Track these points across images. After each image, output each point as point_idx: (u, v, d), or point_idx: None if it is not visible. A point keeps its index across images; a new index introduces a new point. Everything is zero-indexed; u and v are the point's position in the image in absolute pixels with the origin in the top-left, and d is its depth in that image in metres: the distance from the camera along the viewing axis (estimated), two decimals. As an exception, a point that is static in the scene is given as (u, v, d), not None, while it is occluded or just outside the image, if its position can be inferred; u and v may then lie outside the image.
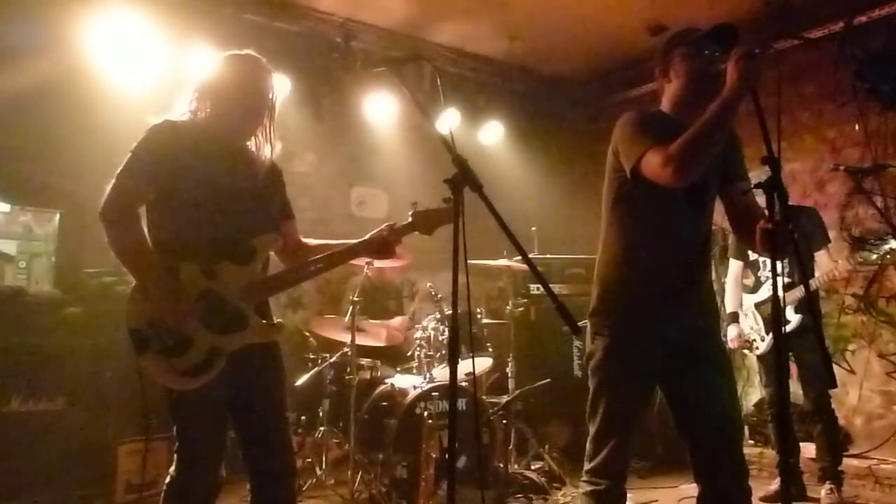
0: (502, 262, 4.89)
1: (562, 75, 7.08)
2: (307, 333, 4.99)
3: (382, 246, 2.49)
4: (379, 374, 4.79)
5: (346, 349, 4.56)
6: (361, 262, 3.50)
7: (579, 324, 2.01)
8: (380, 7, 5.60)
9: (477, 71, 6.68)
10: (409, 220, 2.47)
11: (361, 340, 4.63)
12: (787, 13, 5.37)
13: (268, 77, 2.48)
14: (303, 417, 4.61)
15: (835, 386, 2.06)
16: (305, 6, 5.59)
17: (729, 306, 4.70)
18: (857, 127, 5.31)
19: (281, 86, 5.21)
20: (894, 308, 5.12)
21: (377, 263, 3.90)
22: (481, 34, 6.13)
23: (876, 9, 5.07)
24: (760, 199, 2.21)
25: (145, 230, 2.29)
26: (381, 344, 4.86)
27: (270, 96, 2.49)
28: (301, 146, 6.06)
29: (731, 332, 4.61)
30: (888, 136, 5.19)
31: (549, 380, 4.79)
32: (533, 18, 5.79)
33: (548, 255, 5.64)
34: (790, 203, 4.60)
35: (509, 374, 4.92)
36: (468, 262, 1.93)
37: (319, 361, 4.75)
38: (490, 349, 4.78)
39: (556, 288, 5.18)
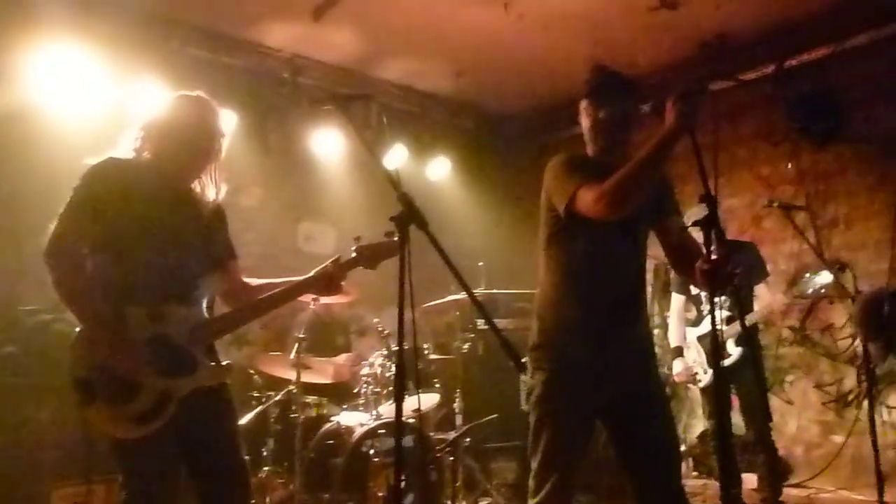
0: (450, 297, 4.91)
1: (508, 112, 7.22)
2: (252, 371, 4.91)
3: (328, 282, 2.49)
4: (325, 411, 4.72)
5: (291, 387, 4.50)
6: (307, 297, 3.48)
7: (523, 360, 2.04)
8: (327, 44, 5.66)
9: (424, 107, 6.77)
10: (353, 254, 2.48)
11: (307, 378, 4.57)
12: (722, 55, 5.60)
13: (217, 119, 2.48)
14: (246, 457, 4.50)
15: (770, 420, 2.11)
16: (253, 41, 5.61)
17: (673, 340, 4.77)
18: (789, 165, 5.53)
19: (228, 121, 5.25)
20: (829, 339, 5.29)
21: (324, 299, 3.88)
22: (428, 71, 6.23)
23: (804, 53, 5.34)
24: (699, 236, 2.27)
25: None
26: (328, 381, 4.81)
27: (219, 139, 2.48)
28: (248, 181, 6.01)
29: (677, 366, 4.68)
30: (819, 174, 5.43)
31: (496, 415, 4.79)
32: (479, 56, 5.91)
33: (494, 290, 5.67)
34: (729, 238, 4.78)
35: (456, 410, 4.91)
36: (419, 304, 1.95)
37: (264, 400, 4.66)
38: (437, 385, 4.77)
39: (503, 323, 5.21)
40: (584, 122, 2.60)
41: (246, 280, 2.62)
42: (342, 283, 2.52)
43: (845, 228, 5.30)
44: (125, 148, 2.40)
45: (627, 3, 5.03)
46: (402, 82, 6.47)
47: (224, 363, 2.42)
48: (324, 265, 2.50)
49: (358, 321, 6.20)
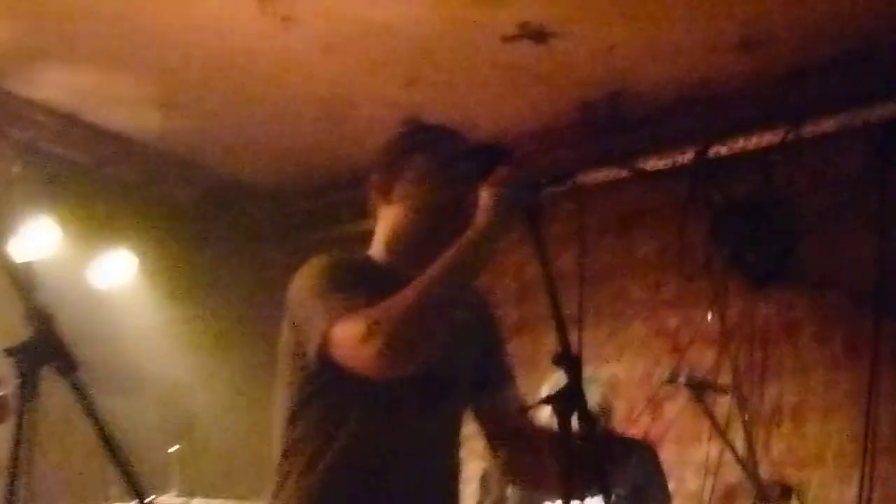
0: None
1: (248, 182, 7.30)
2: None
3: None
4: None
5: None
6: None
7: None
8: None
9: (101, 157, 6.65)
10: None
11: None
12: (616, 130, 5.90)
13: None
14: None
15: None
16: None
17: None
18: (709, 316, 5.82)
19: None
20: None
21: None
22: (113, 94, 6.11)
23: (741, 137, 5.68)
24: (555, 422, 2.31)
25: None
26: None
27: None
28: None
29: None
30: (755, 333, 5.75)
31: None
32: (206, 79, 5.91)
33: (198, 499, 5.50)
34: (611, 434, 4.93)
35: None
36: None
37: None
38: None
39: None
40: (409, 189, 2.61)
41: None
42: None
43: (793, 427, 5.57)
44: None
45: (468, 23, 5.11)
46: (62, 108, 6.30)
47: None
48: None
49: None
